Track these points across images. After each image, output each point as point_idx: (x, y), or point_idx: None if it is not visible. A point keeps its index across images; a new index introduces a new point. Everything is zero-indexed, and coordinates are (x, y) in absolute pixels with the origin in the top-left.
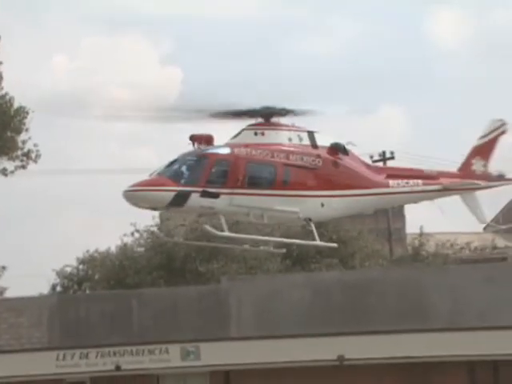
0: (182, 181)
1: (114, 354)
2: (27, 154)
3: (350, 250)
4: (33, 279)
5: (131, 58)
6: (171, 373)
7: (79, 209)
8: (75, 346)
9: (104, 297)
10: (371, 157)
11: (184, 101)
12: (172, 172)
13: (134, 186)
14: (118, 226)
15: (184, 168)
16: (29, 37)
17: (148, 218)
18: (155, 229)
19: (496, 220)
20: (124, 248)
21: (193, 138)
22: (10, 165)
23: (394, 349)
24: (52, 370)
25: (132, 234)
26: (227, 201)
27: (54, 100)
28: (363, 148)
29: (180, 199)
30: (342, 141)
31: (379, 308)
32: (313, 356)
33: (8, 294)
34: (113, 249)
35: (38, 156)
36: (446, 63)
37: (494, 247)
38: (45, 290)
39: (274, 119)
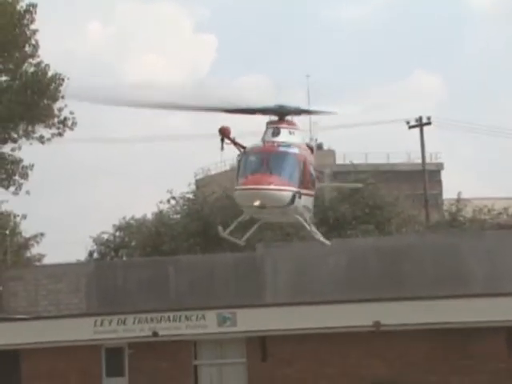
0: (291, 181)
1: (151, 320)
2: (63, 122)
3: (386, 216)
4: (70, 246)
5: (165, 25)
6: (208, 339)
7: (115, 176)
8: (113, 312)
9: (141, 263)
10: (408, 122)
11: (200, 94)
12: (279, 171)
13: (256, 184)
14: (154, 194)
15: (284, 166)
16: (63, 4)
17: (184, 185)
18: (191, 195)
19: None
20: (160, 215)
21: (223, 131)
22: (46, 132)
23: (430, 315)
24: (90, 335)
25: (168, 200)
26: (302, 201)
27: (89, 67)
28: (400, 114)
29: (293, 199)
30: None
31: (415, 274)
32: (348, 322)
33: (46, 261)
34: (149, 216)
35: (74, 123)
36: (484, 27)
37: None
38: (82, 256)
39: (288, 118)
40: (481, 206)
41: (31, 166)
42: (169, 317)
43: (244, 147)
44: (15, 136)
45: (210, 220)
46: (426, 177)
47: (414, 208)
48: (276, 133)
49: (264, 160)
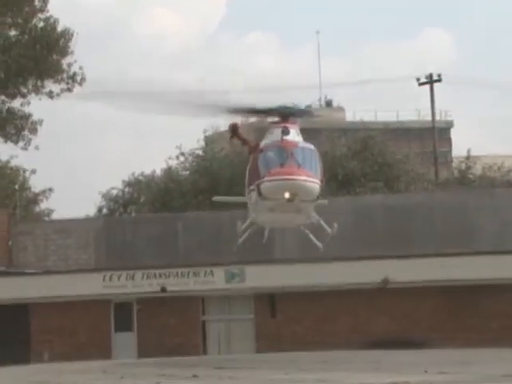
0: (317, 175)
1: (160, 275)
2: (72, 77)
3: (395, 173)
4: (79, 201)
5: None
6: (216, 295)
7: (124, 132)
8: (121, 268)
9: (150, 220)
10: (418, 79)
11: (204, 95)
12: (307, 164)
13: (289, 175)
14: (163, 150)
15: (309, 160)
16: None
17: (192, 142)
18: (200, 152)
19: None
20: (169, 171)
21: (233, 128)
22: (55, 87)
23: (438, 272)
24: (99, 290)
25: (177, 157)
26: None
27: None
28: (409, 71)
29: (319, 194)
30: None
31: (424, 231)
32: (357, 279)
33: (55, 216)
34: (158, 172)
35: (83, 79)
36: None
37: None
38: (91, 212)
39: (292, 118)
40: (490, 163)
41: (40, 122)
42: (177, 273)
43: (256, 145)
44: (24, 91)
45: (218, 176)
46: (435, 134)
47: (423, 166)
48: (286, 132)
49: (289, 154)
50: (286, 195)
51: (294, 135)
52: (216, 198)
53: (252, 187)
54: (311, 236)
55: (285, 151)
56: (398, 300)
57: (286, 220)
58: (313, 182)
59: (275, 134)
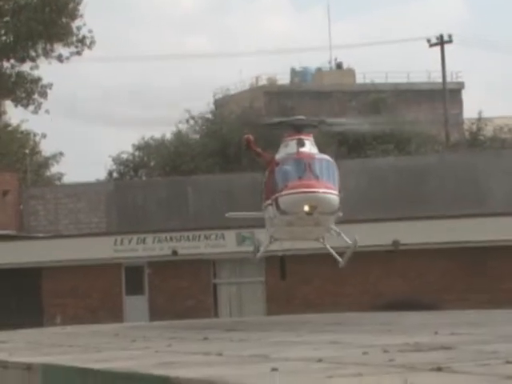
0: (336, 187)
1: (171, 239)
2: (82, 41)
3: (406, 136)
4: (89, 165)
5: None
6: (227, 258)
7: (134, 96)
8: (132, 232)
9: (160, 183)
10: (428, 41)
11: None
12: (326, 177)
13: (309, 187)
14: (172, 114)
15: (328, 173)
16: None
17: (202, 105)
18: (209, 115)
19: None
20: (179, 135)
21: (247, 141)
22: (65, 51)
23: (449, 234)
24: (110, 254)
25: (187, 120)
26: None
27: None
28: (419, 32)
29: (339, 206)
30: None
31: (435, 193)
32: (368, 241)
33: (65, 181)
34: (168, 136)
35: (92, 42)
36: None
37: None
38: (102, 176)
39: (306, 130)
40: (502, 124)
41: (50, 85)
42: (188, 236)
43: (272, 158)
44: (34, 55)
45: (228, 139)
46: (446, 96)
47: (434, 127)
48: (301, 144)
49: (307, 166)
50: (306, 208)
51: (310, 147)
52: (229, 215)
53: (269, 202)
54: (331, 250)
55: (302, 163)
56: (408, 262)
57: (305, 233)
58: (332, 193)
59: (290, 147)
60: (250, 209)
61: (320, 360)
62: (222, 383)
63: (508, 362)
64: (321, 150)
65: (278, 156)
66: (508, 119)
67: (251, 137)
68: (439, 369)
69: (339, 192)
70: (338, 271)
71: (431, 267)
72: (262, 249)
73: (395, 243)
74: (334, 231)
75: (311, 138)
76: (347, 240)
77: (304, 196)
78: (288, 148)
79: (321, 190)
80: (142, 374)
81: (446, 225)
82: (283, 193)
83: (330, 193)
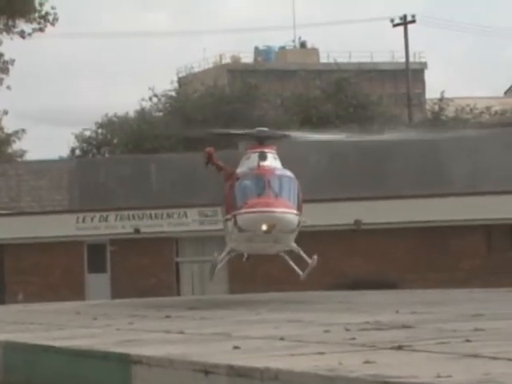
0: (295, 205)
1: (133, 217)
2: (44, 17)
3: (369, 115)
4: (51, 142)
5: None
6: (189, 236)
7: (96, 72)
8: (95, 209)
9: (123, 161)
10: (392, 20)
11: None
12: (285, 194)
13: (267, 207)
14: (136, 91)
15: (287, 190)
16: None
17: (166, 83)
18: (173, 93)
19: None
20: (142, 112)
21: (208, 155)
22: (27, 27)
23: (411, 213)
24: (72, 231)
25: (150, 98)
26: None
27: None
28: (383, 11)
29: (298, 224)
30: None
31: (397, 173)
32: (330, 220)
33: (28, 158)
34: (131, 113)
35: (55, 19)
36: None
37: None
38: (64, 153)
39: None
40: (463, 105)
41: (12, 61)
42: (150, 214)
43: (232, 171)
44: None
45: (192, 118)
46: (409, 76)
47: (396, 107)
48: (263, 158)
49: (266, 183)
50: (264, 227)
51: (272, 160)
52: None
53: (228, 216)
54: (291, 263)
55: (261, 180)
56: (370, 241)
57: (265, 248)
58: (290, 213)
59: (252, 160)
60: (213, 188)
61: (282, 338)
62: (184, 361)
63: (467, 341)
64: (284, 129)
65: (239, 170)
66: (469, 100)
67: (212, 150)
68: (400, 347)
69: (300, 208)
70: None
71: (393, 247)
72: (219, 265)
73: (357, 222)
74: (295, 248)
75: (274, 151)
76: (306, 258)
77: (262, 216)
78: (250, 161)
79: (279, 210)
80: (103, 351)
81: (408, 204)
82: (242, 211)
83: (289, 212)
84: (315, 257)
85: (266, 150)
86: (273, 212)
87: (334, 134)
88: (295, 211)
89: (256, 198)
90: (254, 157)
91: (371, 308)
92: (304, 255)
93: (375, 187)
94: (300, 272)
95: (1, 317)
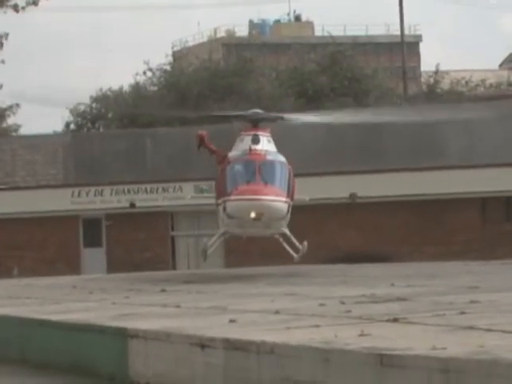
0: (285, 192)
1: (129, 191)
2: None
3: (364, 88)
4: (46, 117)
5: None
6: (185, 210)
7: (91, 47)
8: (90, 184)
9: (118, 135)
10: None
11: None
12: (275, 181)
13: (255, 194)
14: (131, 65)
15: (278, 176)
16: None
17: (161, 57)
18: (168, 67)
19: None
20: (137, 87)
21: (200, 138)
22: (20, 0)
23: (406, 187)
24: (67, 206)
25: (144, 72)
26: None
27: None
28: None
29: (288, 211)
30: None
31: (392, 146)
32: (325, 194)
33: (22, 132)
34: (126, 88)
35: None
36: None
37: (510, 84)
38: (59, 128)
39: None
40: (458, 78)
41: (6, 35)
42: (146, 188)
43: (225, 155)
44: None
45: (187, 92)
46: (404, 49)
47: (391, 80)
48: (256, 141)
49: (257, 169)
50: (252, 215)
51: (265, 143)
52: None
53: (219, 202)
54: (285, 245)
55: (252, 166)
56: (366, 215)
57: (257, 232)
58: (279, 200)
59: (245, 142)
60: (208, 162)
61: (277, 312)
62: (180, 334)
63: (462, 313)
64: (279, 102)
65: (231, 153)
66: (464, 72)
67: (204, 133)
68: (395, 320)
69: (291, 193)
70: (296, 224)
71: (388, 220)
72: (210, 250)
73: (352, 196)
74: (286, 233)
75: (268, 134)
76: (297, 244)
77: (250, 204)
78: (243, 143)
79: (268, 198)
80: (99, 325)
81: (404, 178)
82: (231, 197)
83: (278, 200)
84: (305, 243)
85: (260, 133)
86: (261, 200)
87: (329, 114)
88: (284, 198)
89: (245, 185)
90: (248, 139)
91: (367, 281)
92: (295, 240)
93: (370, 161)
94: (294, 254)
95: None
